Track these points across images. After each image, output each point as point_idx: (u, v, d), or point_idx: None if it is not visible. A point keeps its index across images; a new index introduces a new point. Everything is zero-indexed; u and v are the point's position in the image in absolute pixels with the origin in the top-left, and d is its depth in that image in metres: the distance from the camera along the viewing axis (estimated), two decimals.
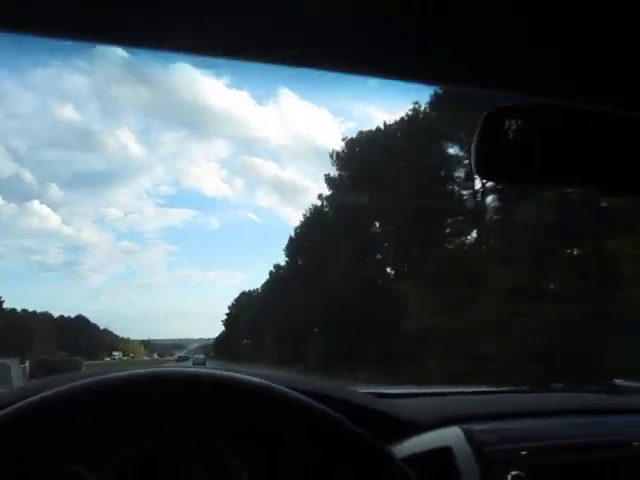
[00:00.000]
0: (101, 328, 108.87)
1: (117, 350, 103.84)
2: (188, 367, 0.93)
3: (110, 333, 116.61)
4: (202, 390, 0.78)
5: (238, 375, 0.81)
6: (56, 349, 70.77)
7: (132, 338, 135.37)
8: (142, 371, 0.79)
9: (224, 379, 0.79)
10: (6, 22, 0.32)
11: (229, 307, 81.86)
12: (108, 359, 77.75)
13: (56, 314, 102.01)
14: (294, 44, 0.36)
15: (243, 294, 75.14)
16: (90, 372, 1.16)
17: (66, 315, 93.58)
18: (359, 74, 0.38)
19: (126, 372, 0.79)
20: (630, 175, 0.71)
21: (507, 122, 0.69)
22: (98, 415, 0.75)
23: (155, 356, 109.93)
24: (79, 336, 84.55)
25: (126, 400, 0.76)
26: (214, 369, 0.87)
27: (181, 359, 78.97)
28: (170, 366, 0.96)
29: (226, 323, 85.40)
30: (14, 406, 0.72)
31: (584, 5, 0.33)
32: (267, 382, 0.80)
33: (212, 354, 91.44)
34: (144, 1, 0.31)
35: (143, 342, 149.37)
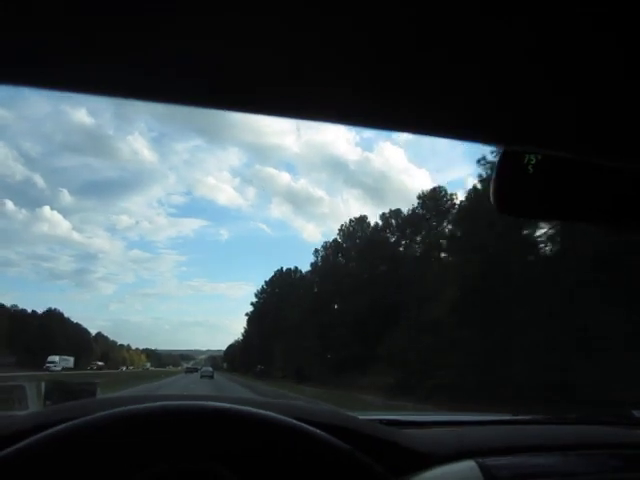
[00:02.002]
0: (93, 333, 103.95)
1: (110, 358, 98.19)
2: (198, 396, 0.94)
3: (104, 338, 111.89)
4: (210, 422, 0.82)
5: (246, 408, 0.82)
6: (5, 348, 63.63)
7: (134, 346, 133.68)
8: (156, 405, 0.82)
9: (230, 412, 0.81)
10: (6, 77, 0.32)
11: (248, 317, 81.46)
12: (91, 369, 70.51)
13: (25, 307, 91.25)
14: (284, 98, 0.36)
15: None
16: (104, 400, 1.17)
17: (36, 309, 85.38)
18: (358, 126, 0.38)
19: (140, 406, 0.81)
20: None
21: (527, 157, 0.70)
22: (107, 448, 0.78)
23: (149, 366, 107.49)
24: (48, 335, 75.17)
25: (138, 433, 0.79)
26: (220, 397, 0.89)
27: (189, 370, 79.27)
28: (181, 396, 0.97)
29: (243, 334, 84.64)
30: (43, 433, 0.76)
31: (598, 61, 0.33)
32: (274, 414, 0.81)
33: (225, 366, 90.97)
34: (139, 54, 0.31)
35: (146, 351, 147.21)
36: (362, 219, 50.59)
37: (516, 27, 0.30)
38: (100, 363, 77.26)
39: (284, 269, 70.86)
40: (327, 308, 46.77)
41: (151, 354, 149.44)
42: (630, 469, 1.12)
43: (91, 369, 64.01)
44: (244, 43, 0.31)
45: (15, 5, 0.28)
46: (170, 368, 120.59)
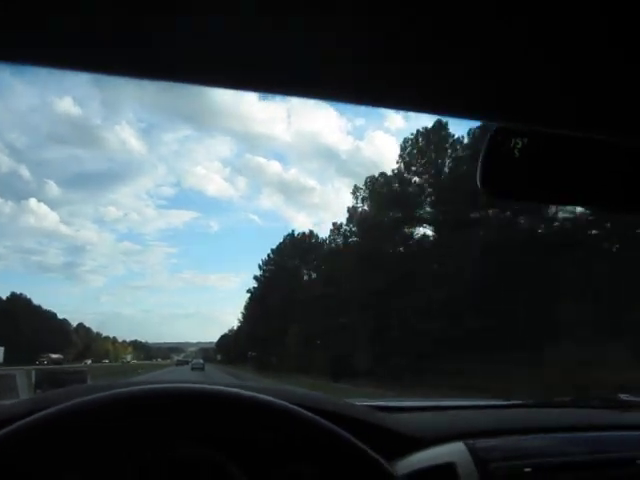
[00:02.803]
0: (74, 324, 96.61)
1: (92, 351, 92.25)
2: (192, 381, 0.94)
3: (86, 329, 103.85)
4: (207, 405, 0.81)
5: (241, 391, 0.82)
6: None
7: (121, 338, 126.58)
8: (151, 387, 0.82)
9: (229, 395, 0.81)
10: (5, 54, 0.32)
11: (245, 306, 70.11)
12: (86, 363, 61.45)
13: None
14: (287, 75, 0.36)
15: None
16: (93, 386, 1.17)
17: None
18: (358, 104, 0.38)
19: (136, 388, 0.81)
20: (633, 193, 0.72)
21: (513, 140, 0.70)
22: (105, 430, 0.78)
23: (129, 358, 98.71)
24: (10, 325, 64.78)
25: (135, 416, 0.79)
26: (217, 384, 0.89)
27: (180, 363, 77.07)
28: (177, 381, 0.97)
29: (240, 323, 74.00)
30: (26, 420, 0.75)
31: (589, 34, 0.34)
32: (268, 397, 0.82)
33: (219, 357, 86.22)
34: (143, 32, 0.32)
35: (133, 343, 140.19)
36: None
37: (511, 6, 0.31)
38: (56, 356, 62.15)
39: (296, 234, 58.03)
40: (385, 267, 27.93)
41: (139, 347, 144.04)
42: (618, 450, 1.14)
43: (40, 364, 49.87)
44: (242, 18, 0.31)
45: None
46: (158, 361, 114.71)
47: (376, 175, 33.17)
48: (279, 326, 45.80)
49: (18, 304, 73.94)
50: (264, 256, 60.30)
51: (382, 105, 0.40)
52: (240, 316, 73.56)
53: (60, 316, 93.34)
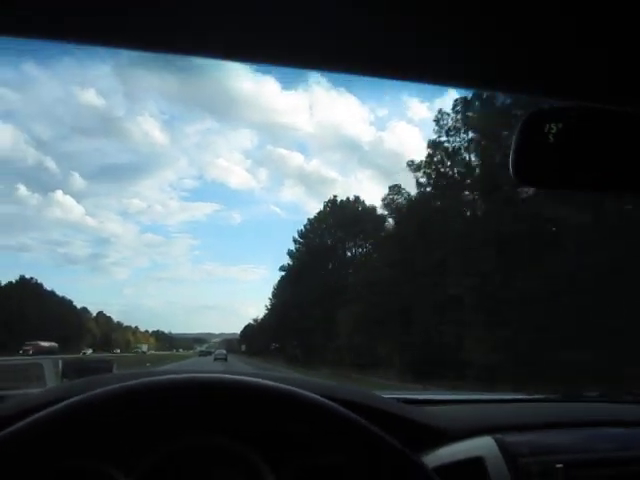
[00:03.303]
0: (94, 313, 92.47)
1: (112, 341, 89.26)
2: (215, 371, 0.94)
3: (107, 318, 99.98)
4: (231, 396, 0.80)
5: (265, 381, 0.81)
6: None
7: (143, 328, 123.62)
8: (176, 377, 0.81)
9: (252, 386, 0.80)
10: (10, 27, 0.32)
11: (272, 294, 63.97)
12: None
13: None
14: (298, 47, 0.36)
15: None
16: (121, 375, 1.18)
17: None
18: (374, 76, 0.37)
19: (161, 377, 0.81)
20: None
21: (547, 126, 0.68)
22: (132, 418, 0.78)
23: (145, 349, 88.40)
24: (24, 314, 61.15)
25: (159, 405, 0.78)
26: (240, 374, 0.89)
27: (203, 354, 76.41)
28: (198, 371, 0.97)
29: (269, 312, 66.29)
30: (55, 407, 0.75)
31: (615, 6, 0.33)
32: (294, 388, 0.81)
33: (244, 348, 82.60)
34: (147, 6, 0.32)
35: (155, 333, 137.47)
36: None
37: None
38: (47, 344, 52.79)
39: (339, 200, 48.59)
40: None
41: (161, 337, 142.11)
42: None
43: (25, 353, 42.60)
44: None
45: None
46: (180, 352, 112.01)
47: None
48: (321, 312, 38.49)
49: (26, 289, 68.48)
50: (285, 248, 55.08)
51: (415, 79, 0.41)
52: (268, 303, 68.03)
53: (82, 305, 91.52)
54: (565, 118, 0.68)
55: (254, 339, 78.18)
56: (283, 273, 57.86)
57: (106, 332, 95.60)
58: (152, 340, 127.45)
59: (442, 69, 0.39)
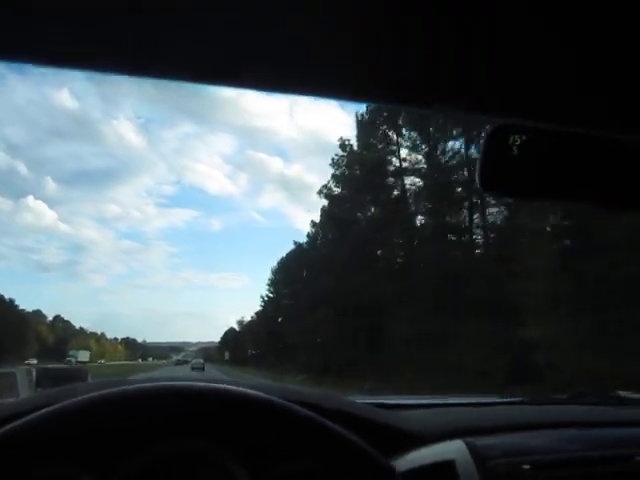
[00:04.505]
0: (50, 317, 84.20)
1: (67, 349, 76.93)
2: (194, 379, 0.95)
3: (65, 323, 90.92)
4: (208, 404, 0.82)
5: (242, 389, 0.83)
6: None
7: (114, 335, 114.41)
8: (153, 385, 0.82)
9: (229, 393, 0.81)
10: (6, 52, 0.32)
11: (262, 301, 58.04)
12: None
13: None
14: (283, 71, 0.36)
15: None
16: (96, 383, 1.18)
17: None
18: (360, 102, 0.41)
19: (136, 386, 0.81)
20: (631, 192, 0.72)
21: (512, 137, 0.70)
22: (107, 426, 0.79)
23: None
24: None
25: (136, 413, 0.80)
26: (214, 381, 0.90)
27: (180, 363, 73.46)
28: (172, 378, 0.98)
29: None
30: (32, 415, 0.76)
31: (585, 33, 0.33)
32: (269, 396, 0.82)
33: (227, 356, 75.29)
34: (131, 29, 0.31)
35: (125, 340, 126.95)
36: None
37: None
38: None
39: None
40: None
41: (132, 345, 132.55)
42: (616, 446, 1.14)
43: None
44: (239, 17, 0.31)
45: None
46: (150, 361, 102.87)
47: None
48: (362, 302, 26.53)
49: None
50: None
51: (378, 101, 0.41)
52: (253, 308, 63.94)
53: (36, 308, 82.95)
54: (529, 130, 0.70)
55: (238, 346, 71.86)
56: (269, 279, 54.95)
57: (62, 338, 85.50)
58: (120, 348, 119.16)
59: (427, 95, 0.40)
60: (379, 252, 31.10)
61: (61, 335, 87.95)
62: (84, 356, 76.13)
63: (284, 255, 51.64)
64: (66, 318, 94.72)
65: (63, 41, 0.32)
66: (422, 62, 0.36)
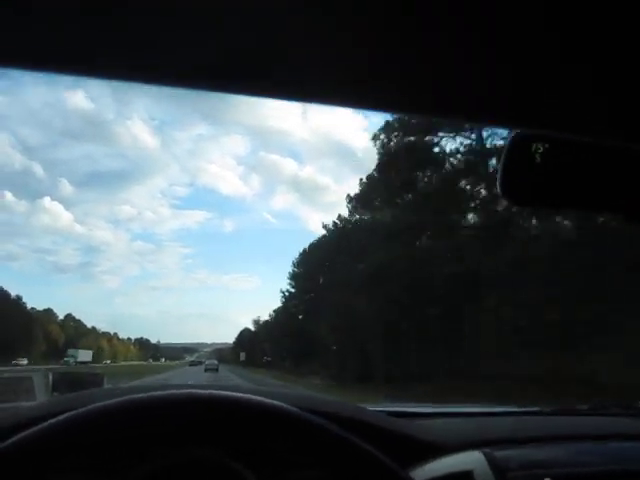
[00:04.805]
0: (61, 315, 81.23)
1: (79, 348, 72.67)
2: (207, 385, 0.94)
3: (77, 322, 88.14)
4: (221, 411, 0.81)
5: (253, 397, 0.82)
6: None
7: (128, 336, 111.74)
8: (166, 393, 0.83)
9: (240, 401, 0.81)
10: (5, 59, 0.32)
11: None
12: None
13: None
14: (280, 77, 0.36)
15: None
16: (111, 390, 1.18)
17: None
18: (364, 109, 0.37)
19: (151, 394, 0.82)
20: None
21: (534, 145, 0.69)
22: (122, 433, 0.79)
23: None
24: None
25: (150, 421, 0.79)
26: (229, 388, 0.89)
27: (193, 364, 72.95)
28: (190, 385, 0.98)
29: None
30: (49, 422, 0.76)
31: (606, 44, 0.33)
32: (281, 404, 0.82)
33: (243, 357, 71.45)
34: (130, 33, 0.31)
35: (139, 341, 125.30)
36: None
37: (527, 13, 0.31)
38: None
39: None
40: None
41: (145, 345, 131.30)
42: (636, 460, 1.11)
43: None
44: (250, 25, 0.31)
45: None
46: (164, 362, 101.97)
47: None
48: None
49: None
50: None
51: (392, 110, 0.41)
52: (272, 306, 59.17)
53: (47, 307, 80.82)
54: (552, 138, 0.69)
55: (254, 347, 68.27)
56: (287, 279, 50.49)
57: (73, 338, 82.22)
58: (133, 349, 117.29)
59: (437, 104, 0.39)
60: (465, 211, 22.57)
61: (72, 334, 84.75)
62: (85, 356, 69.37)
63: (309, 244, 47.94)
64: (77, 317, 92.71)
65: (63, 46, 0.32)
66: (434, 69, 0.35)
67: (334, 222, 38.90)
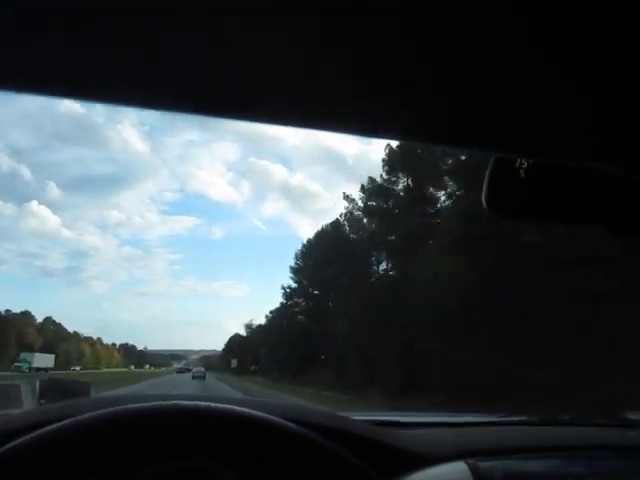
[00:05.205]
0: (39, 319, 77.30)
1: (57, 354, 68.25)
2: (201, 396, 0.95)
3: (57, 326, 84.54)
4: (210, 422, 0.82)
5: (239, 408, 0.83)
6: None
7: (107, 341, 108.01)
8: (158, 404, 0.84)
9: (228, 413, 0.82)
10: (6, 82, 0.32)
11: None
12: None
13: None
14: (281, 105, 0.36)
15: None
16: (98, 399, 1.17)
17: None
18: (349, 133, 0.38)
19: (142, 405, 0.83)
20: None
21: (518, 160, 0.70)
22: (114, 444, 0.80)
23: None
24: None
25: (141, 431, 0.81)
26: (217, 398, 0.89)
27: (181, 371, 72.63)
28: (174, 396, 0.98)
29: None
30: (39, 431, 0.77)
31: (586, 68, 0.33)
32: (270, 416, 0.82)
33: (235, 364, 68.47)
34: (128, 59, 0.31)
35: (123, 346, 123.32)
36: None
37: (511, 34, 0.31)
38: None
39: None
40: None
41: (130, 351, 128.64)
42: (623, 471, 1.12)
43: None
44: (242, 51, 0.31)
45: (14, 11, 0.28)
46: (148, 369, 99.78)
47: None
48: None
49: None
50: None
51: (374, 135, 0.41)
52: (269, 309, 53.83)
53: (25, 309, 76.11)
54: None
55: (245, 353, 64.64)
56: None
57: (52, 342, 78.34)
58: (117, 355, 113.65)
59: (430, 131, 0.40)
60: None
61: (51, 338, 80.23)
62: (43, 361, 60.09)
63: (316, 232, 43.96)
64: (58, 321, 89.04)
65: (51, 68, 0.32)
66: (418, 94, 0.36)
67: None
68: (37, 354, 62.39)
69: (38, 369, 51.17)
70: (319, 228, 44.59)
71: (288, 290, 47.73)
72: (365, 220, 33.25)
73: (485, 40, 0.31)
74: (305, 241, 46.41)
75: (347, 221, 37.39)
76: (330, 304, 36.14)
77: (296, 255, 46.35)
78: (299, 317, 44.51)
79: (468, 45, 0.31)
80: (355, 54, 0.32)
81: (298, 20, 0.29)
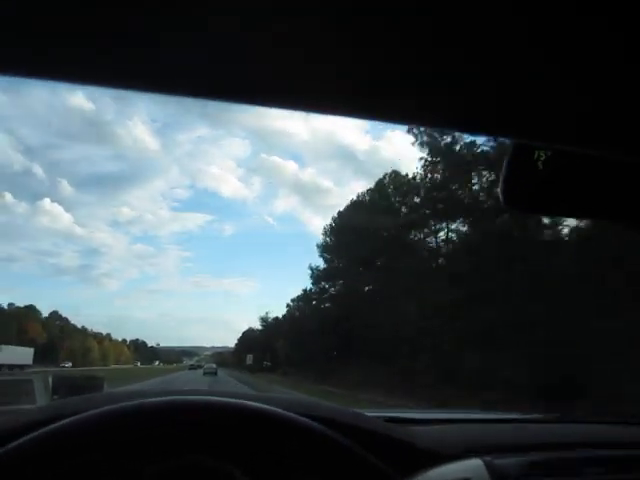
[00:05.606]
0: (45, 313, 74.88)
1: (62, 350, 65.63)
2: (205, 391, 0.94)
3: (63, 320, 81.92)
4: (220, 418, 0.82)
5: (250, 403, 0.83)
6: None
7: (117, 337, 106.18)
8: (167, 399, 0.84)
9: (234, 407, 0.82)
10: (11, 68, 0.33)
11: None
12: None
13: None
14: (281, 89, 0.36)
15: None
16: (111, 394, 1.17)
17: None
18: (365, 119, 0.37)
19: (152, 400, 0.84)
20: None
21: (537, 152, 0.69)
22: (126, 438, 0.80)
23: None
24: None
25: (153, 426, 0.81)
26: (226, 394, 0.90)
27: (193, 367, 72.44)
28: (187, 391, 0.98)
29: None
30: (51, 426, 0.77)
31: (603, 51, 0.33)
32: (279, 410, 0.82)
33: (250, 360, 61.81)
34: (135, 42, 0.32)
35: (134, 342, 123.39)
36: None
37: (520, 21, 0.31)
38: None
39: None
40: None
41: (141, 348, 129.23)
42: (637, 469, 1.11)
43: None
44: (247, 36, 0.31)
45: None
46: (157, 366, 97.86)
47: None
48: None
49: None
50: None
51: (389, 120, 0.41)
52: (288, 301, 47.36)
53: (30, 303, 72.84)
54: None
55: (260, 349, 59.86)
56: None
57: (58, 337, 75.67)
58: (126, 351, 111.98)
59: (435, 115, 0.40)
60: None
61: (56, 334, 77.07)
62: (19, 356, 49.08)
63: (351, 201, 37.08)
64: (64, 315, 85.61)
65: (61, 53, 0.32)
66: (432, 79, 0.35)
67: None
68: (10, 347, 50.27)
69: (11, 366, 42.04)
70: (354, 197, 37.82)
71: (316, 272, 40.76)
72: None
73: (485, 38, 0.31)
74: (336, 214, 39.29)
75: (392, 182, 31.67)
76: (366, 288, 30.61)
77: (325, 231, 39.87)
78: (327, 304, 38.08)
79: (469, 41, 0.31)
80: (356, 45, 0.32)
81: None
